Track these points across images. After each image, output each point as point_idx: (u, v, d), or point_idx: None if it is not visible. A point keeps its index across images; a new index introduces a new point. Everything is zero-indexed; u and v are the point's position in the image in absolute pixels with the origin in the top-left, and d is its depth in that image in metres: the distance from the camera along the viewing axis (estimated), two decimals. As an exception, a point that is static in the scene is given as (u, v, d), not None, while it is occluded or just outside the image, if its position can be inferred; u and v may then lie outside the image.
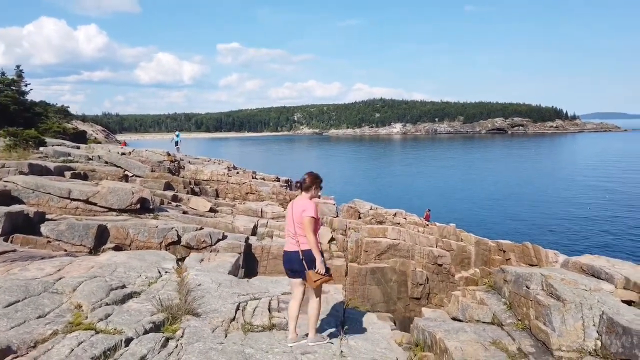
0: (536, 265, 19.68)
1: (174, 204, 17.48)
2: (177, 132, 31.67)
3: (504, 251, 20.38)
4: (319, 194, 5.41)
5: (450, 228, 20.38)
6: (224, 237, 12.75)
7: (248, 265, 13.29)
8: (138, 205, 13.51)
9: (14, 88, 39.57)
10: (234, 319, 5.59)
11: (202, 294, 6.12)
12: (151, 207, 14.16)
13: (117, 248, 11.05)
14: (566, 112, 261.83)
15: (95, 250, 10.53)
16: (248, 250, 13.37)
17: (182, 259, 11.57)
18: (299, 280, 5.00)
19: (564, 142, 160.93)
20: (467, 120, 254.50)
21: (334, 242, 16.74)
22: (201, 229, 12.82)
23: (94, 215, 12.59)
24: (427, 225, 19.54)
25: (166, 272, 7.03)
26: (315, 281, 4.77)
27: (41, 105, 56.43)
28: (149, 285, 6.24)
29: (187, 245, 11.92)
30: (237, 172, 25.88)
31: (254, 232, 15.70)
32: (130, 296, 5.64)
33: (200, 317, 5.40)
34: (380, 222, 19.10)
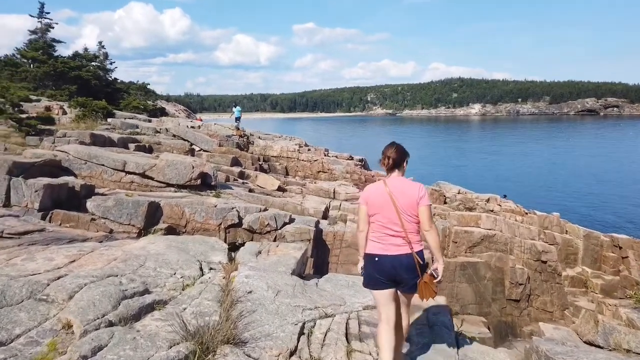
0: (663, 268, 16.32)
1: (240, 180, 16.10)
2: (236, 107, 26.76)
3: (620, 247, 17.13)
4: None
5: (553, 218, 17.41)
6: (291, 221, 11.04)
7: (318, 253, 11.53)
8: (198, 181, 12.12)
9: (95, 64, 40.49)
10: (295, 351, 3.74)
11: (253, 306, 4.31)
12: (213, 183, 12.75)
13: (170, 229, 9.66)
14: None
15: (145, 231, 9.19)
16: (318, 236, 11.58)
17: (239, 246, 10.02)
18: (391, 292, 3.73)
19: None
20: (554, 101, 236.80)
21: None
22: (266, 210, 11.18)
23: (150, 190, 11.34)
24: (527, 213, 16.73)
25: (211, 268, 5.31)
26: (435, 291, 3.67)
27: (123, 82, 58.19)
28: (182, 290, 4.54)
29: (249, 228, 10.33)
30: (309, 149, 24.20)
31: (325, 215, 13.89)
32: (149, 308, 3.95)
33: (245, 347, 3.60)
34: (470, 209, 16.57)
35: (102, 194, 9.85)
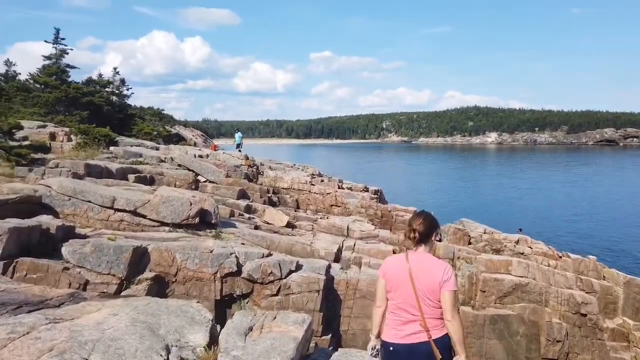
0: None
1: (246, 215, 14.87)
2: (237, 132, 26.22)
3: (666, 297, 15.39)
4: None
5: (589, 262, 15.73)
6: (298, 268, 9.69)
7: (328, 306, 10.14)
8: (196, 220, 10.88)
9: (109, 90, 40.24)
10: None
11: None
12: (213, 221, 11.51)
13: (158, 278, 8.41)
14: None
15: (127, 281, 7.95)
16: (329, 285, 10.20)
17: (236, 299, 8.69)
18: None
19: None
20: (572, 131, 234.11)
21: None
22: (269, 255, 9.87)
23: (142, 230, 10.14)
24: (560, 257, 15.14)
25: (181, 359, 4.00)
26: None
27: (139, 107, 58.22)
28: (130, 405, 3.23)
29: (250, 278, 9.02)
30: (322, 180, 22.98)
31: (337, 257, 12.54)
32: None
33: None
34: (497, 251, 15.06)
35: (84, 236, 8.67)
